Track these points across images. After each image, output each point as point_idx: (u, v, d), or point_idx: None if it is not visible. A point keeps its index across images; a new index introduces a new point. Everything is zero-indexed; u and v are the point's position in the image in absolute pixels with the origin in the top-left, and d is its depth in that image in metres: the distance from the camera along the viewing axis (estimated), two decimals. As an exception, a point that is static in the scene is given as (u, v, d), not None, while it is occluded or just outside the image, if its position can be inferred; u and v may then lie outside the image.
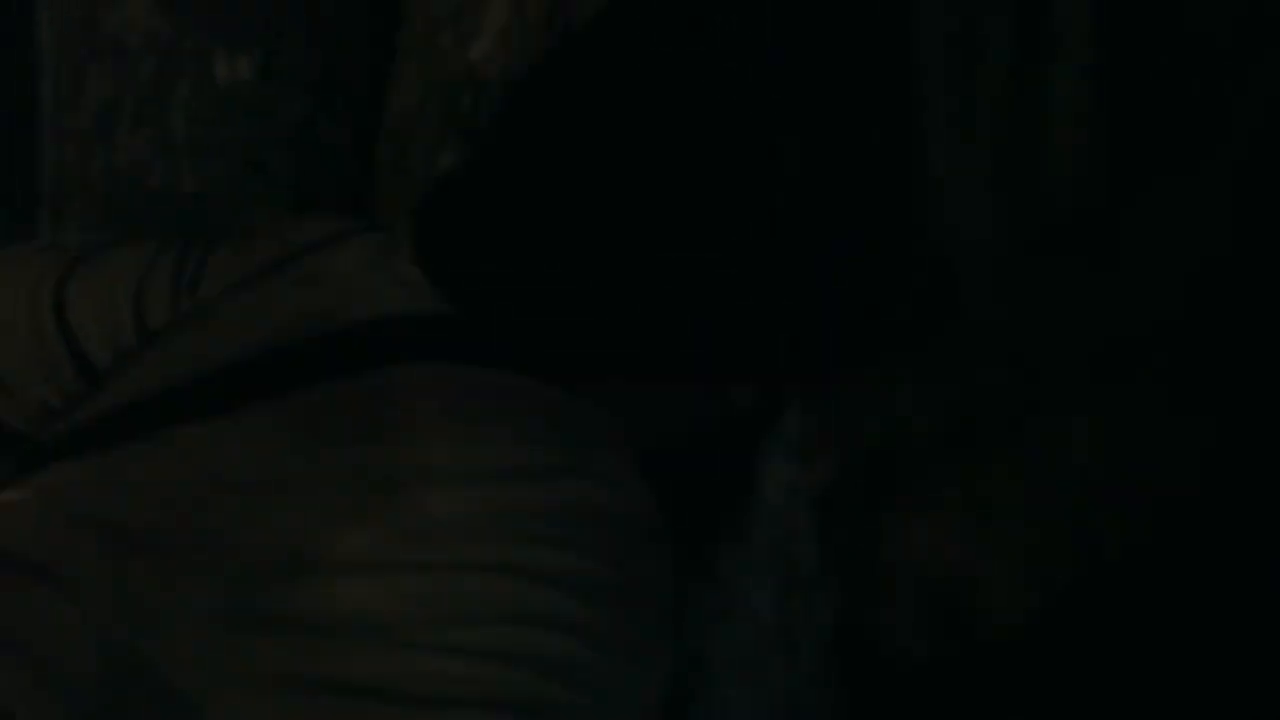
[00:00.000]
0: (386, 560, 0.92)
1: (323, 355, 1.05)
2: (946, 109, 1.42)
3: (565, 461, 0.97)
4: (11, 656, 0.95)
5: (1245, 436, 1.46)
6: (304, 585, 0.92)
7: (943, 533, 1.55)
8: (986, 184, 1.45)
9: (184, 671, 0.92)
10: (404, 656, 0.89)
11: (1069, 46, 1.46)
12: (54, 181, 1.89)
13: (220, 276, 1.18)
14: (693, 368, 1.08)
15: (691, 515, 1.46)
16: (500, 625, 0.90)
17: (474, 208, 1.11)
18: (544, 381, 1.02)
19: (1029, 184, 1.44)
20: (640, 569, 0.95)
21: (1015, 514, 1.53)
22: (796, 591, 1.57)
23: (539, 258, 1.07)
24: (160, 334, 1.17)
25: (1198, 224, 1.44)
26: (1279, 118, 1.39)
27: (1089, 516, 1.50)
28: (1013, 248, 1.46)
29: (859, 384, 1.35)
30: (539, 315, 1.06)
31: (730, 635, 1.57)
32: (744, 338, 1.06)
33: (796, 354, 1.07)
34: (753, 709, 1.57)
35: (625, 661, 0.92)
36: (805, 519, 1.56)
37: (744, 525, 1.52)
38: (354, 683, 0.89)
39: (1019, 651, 1.53)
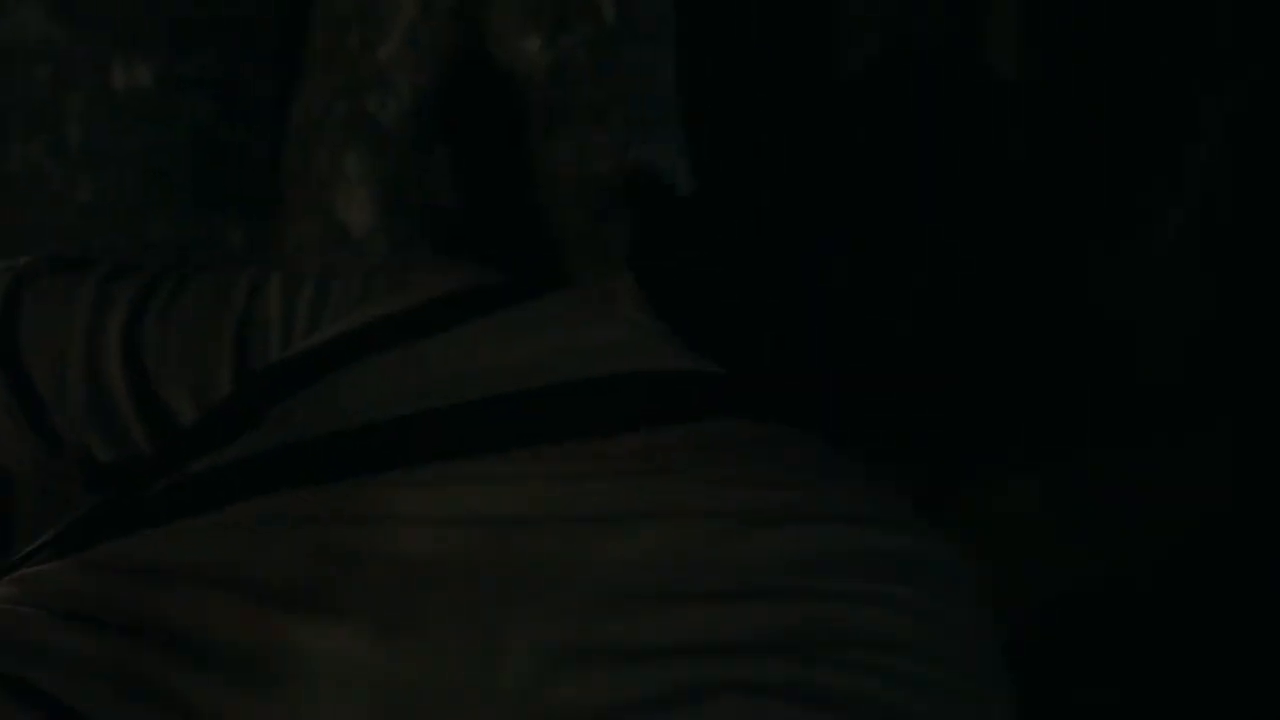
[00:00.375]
0: (738, 590, 0.89)
1: (597, 406, 1.00)
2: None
3: (886, 513, 0.96)
4: (269, 698, 0.86)
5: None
6: (649, 614, 0.87)
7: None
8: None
9: (496, 709, 0.85)
10: (781, 664, 0.86)
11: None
12: (-55, 192, 1.84)
13: (349, 318, 1.11)
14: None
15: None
16: (855, 648, 0.87)
17: (711, 262, 1.07)
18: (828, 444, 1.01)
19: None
20: (975, 610, 0.94)
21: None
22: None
23: (792, 313, 1.04)
24: (303, 372, 1.07)
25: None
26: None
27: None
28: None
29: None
30: (801, 380, 1.03)
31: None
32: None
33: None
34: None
35: (978, 687, 0.90)
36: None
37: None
38: (709, 684, 0.85)
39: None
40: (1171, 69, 1.21)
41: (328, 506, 0.95)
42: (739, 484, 0.95)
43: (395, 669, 0.86)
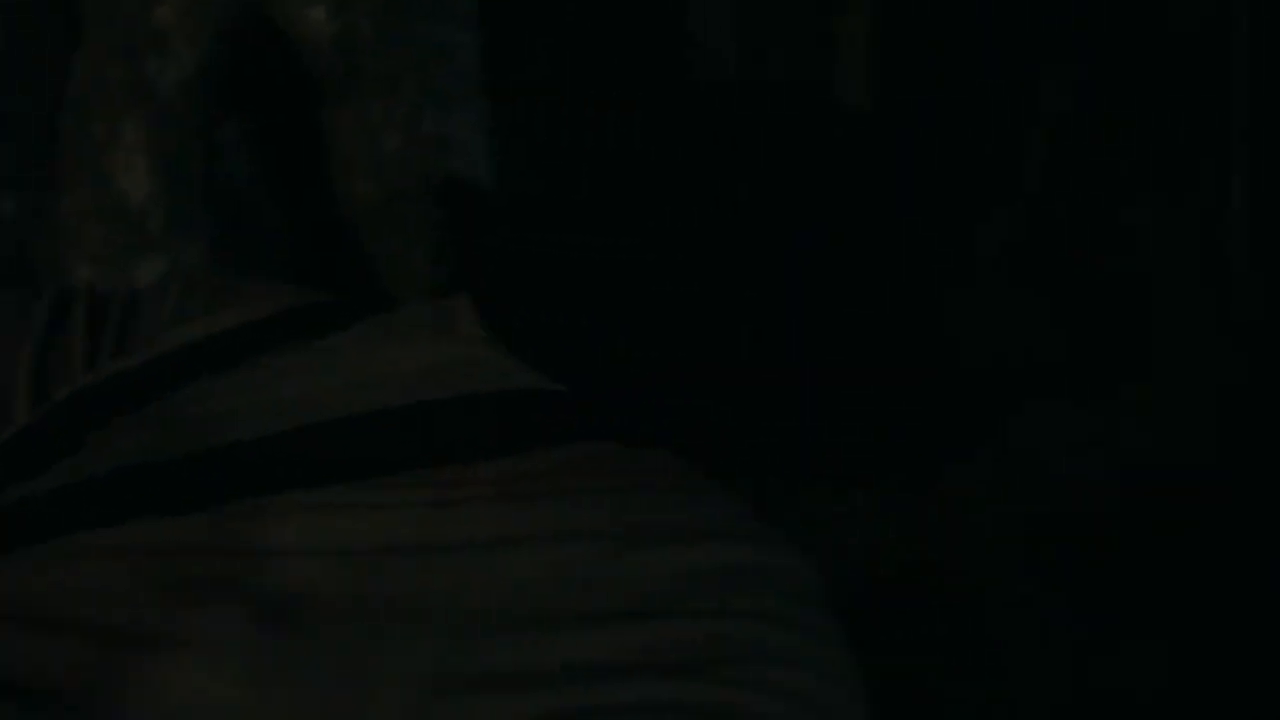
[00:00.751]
0: (619, 610, 0.88)
1: (456, 430, 0.98)
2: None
3: (751, 529, 0.97)
4: None
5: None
6: (529, 638, 0.86)
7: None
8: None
9: None
10: (672, 683, 0.85)
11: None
12: None
13: (165, 339, 1.05)
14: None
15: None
16: (747, 663, 0.87)
17: (542, 275, 1.06)
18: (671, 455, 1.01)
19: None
20: (836, 620, 0.95)
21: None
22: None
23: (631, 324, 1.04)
24: (122, 394, 1.02)
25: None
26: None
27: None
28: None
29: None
30: (652, 394, 1.03)
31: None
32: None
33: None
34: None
35: (851, 694, 0.92)
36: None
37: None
38: (598, 707, 0.84)
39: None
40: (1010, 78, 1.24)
41: (181, 537, 0.92)
42: (608, 506, 0.95)
43: (262, 710, 0.83)
